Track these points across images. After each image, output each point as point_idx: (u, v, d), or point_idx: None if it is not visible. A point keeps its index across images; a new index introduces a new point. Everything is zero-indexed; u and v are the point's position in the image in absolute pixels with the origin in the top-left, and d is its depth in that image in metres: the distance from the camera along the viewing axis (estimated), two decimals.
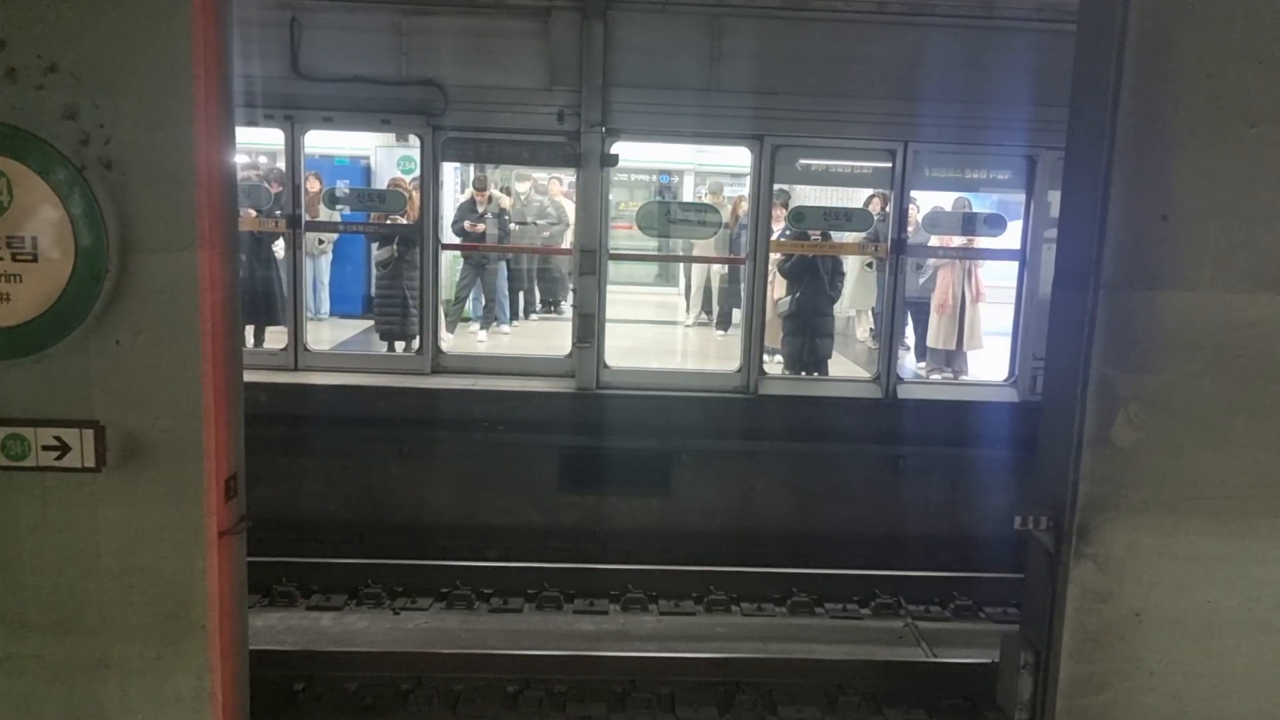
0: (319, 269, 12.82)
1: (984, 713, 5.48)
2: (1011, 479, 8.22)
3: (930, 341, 10.82)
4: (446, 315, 10.58)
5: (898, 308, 8.83)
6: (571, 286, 9.42)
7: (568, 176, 12.08)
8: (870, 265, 11.65)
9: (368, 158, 14.52)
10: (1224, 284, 3.60)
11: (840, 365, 10.39)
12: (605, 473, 8.42)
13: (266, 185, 9.65)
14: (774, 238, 8.94)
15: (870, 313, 12.51)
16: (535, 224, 13.46)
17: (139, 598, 3.56)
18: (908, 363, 10.88)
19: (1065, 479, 3.80)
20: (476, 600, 7.02)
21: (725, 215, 11.05)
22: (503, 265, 12.54)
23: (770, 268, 8.99)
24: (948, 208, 10.17)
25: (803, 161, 8.95)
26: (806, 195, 12.59)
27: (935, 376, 10.57)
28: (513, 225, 12.97)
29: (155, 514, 3.51)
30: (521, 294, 13.74)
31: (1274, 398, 3.68)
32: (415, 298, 9.15)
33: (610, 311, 8.86)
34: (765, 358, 8.95)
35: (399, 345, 9.76)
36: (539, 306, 14.54)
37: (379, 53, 8.36)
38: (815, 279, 9.31)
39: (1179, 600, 3.80)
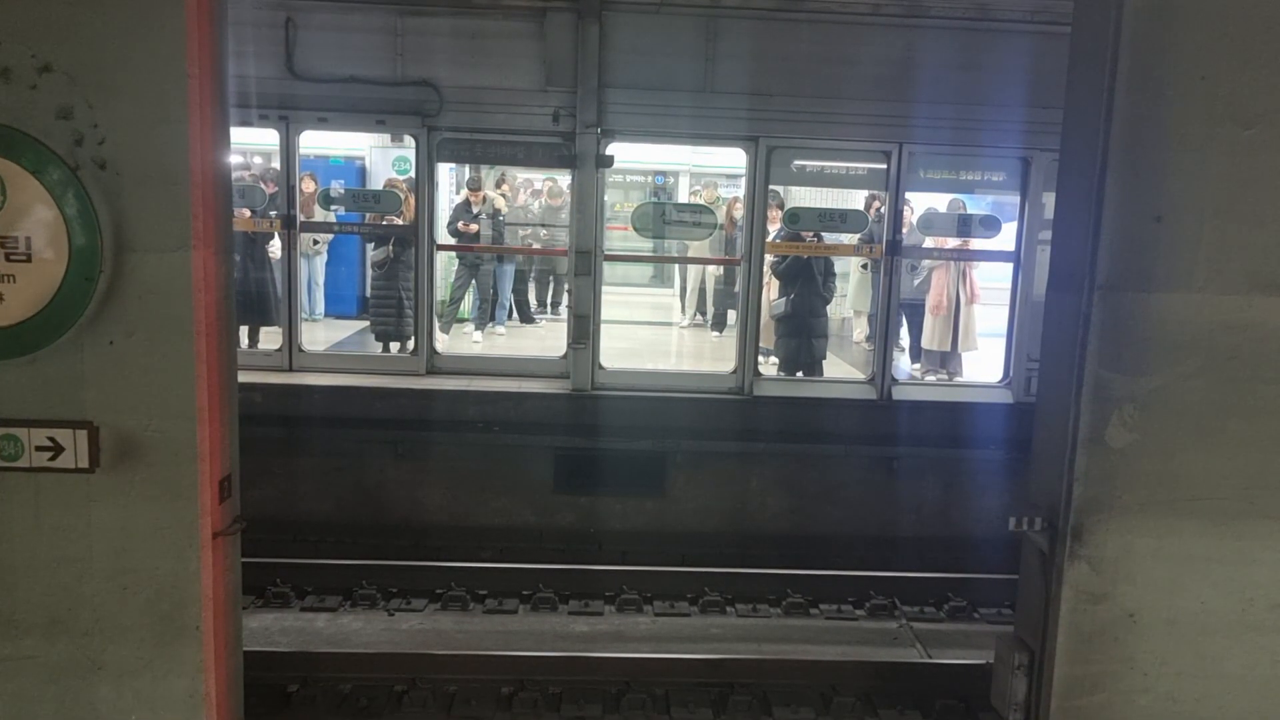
0: (314, 269, 12.80)
1: (978, 714, 5.50)
2: (1006, 480, 8.24)
3: (925, 343, 10.83)
4: (441, 316, 10.58)
5: (893, 309, 8.85)
6: (567, 287, 9.43)
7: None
8: (865, 267, 11.66)
9: (363, 158, 14.51)
10: (1218, 286, 3.61)
11: (836, 366, 10.40)
12: (600, 474, 8.42)
13: (262, 185, 9.63)
14: (769, 239, 8.96)
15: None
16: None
17: (133, 599, 3.55)
18: (902, 364, 10.89)
19: (1060, 480, 3.80)
20: (471, 601, 7.02)
21: (720, 216, 11.07)
22: (509, 267, 12.57)
23: (765, 269, 9.00)
24: (942, 209, 10.18)
25: (798, 163, 8.96)
26: (801, 197, 12.61)
27: (930, 378, 10.58)
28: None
29: (149, 515, 3.50)
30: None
31: (1268, 399, 3.69)
32: (410, 298, 9.14)
33: (605, 313, 8.87)
34: (760, 359, 8.96)
35: (394, 346, 9.75)
36: (533, 306, 14.50)
37: (374, 53, 8.35)
38: (810, 280, 9.32)
39: (1173, 601, 3.81)
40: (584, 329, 8.51)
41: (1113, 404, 3.69)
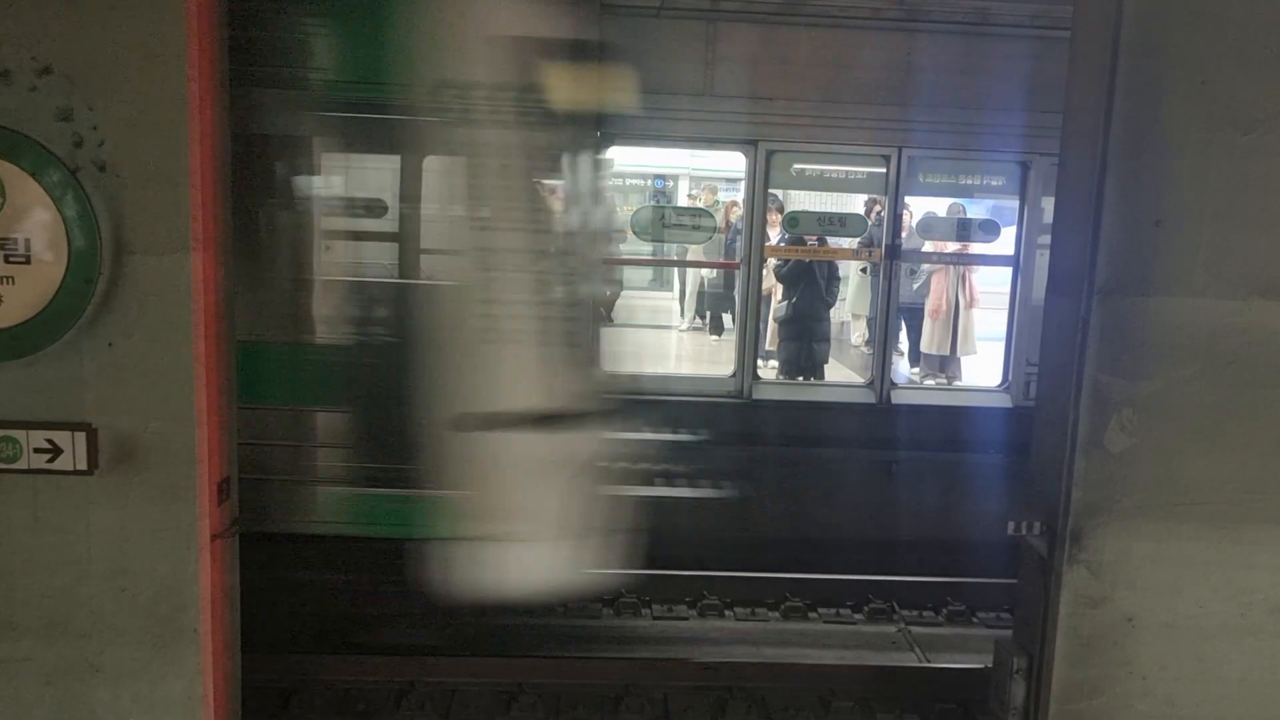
0: None
1: (977, 718, 5.49)
2: (1005, 484, 8.22)
3: (924, 347, 10.83)
4: None
5: (892, 313, 8.84)
6: None
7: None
8: (864, 270, 11.67)
9: None
10: (1217, 290, 3.62)
11: (835, 370, 10.40)
12: None
13: None
14: (769, 243, 8.95)
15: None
16: None
17: (131, 601, 3.54)
18: (901, 368, 10.89)
19: (1058, 484, 3.80)
20: None
21: (719, 219, 11.06)
22: None
23: (766, 272, 8.99)
24: (942, 213, 10.18)
25: (797, 166, 8.96)
26: (801, 201, 12.61)
27: (929, 382, 10.58)
28: None
29: (147, 517, 3.49)
30: None
31: (1266, 403, 3.69)
32: None
33: None
34: (760, 362, 8.95)
35: None
36: None
37: None
38: (812, 284, 9.32)
39: (1172, 605, 3.81)
40: None
41: (1111, 408, 3.69)
